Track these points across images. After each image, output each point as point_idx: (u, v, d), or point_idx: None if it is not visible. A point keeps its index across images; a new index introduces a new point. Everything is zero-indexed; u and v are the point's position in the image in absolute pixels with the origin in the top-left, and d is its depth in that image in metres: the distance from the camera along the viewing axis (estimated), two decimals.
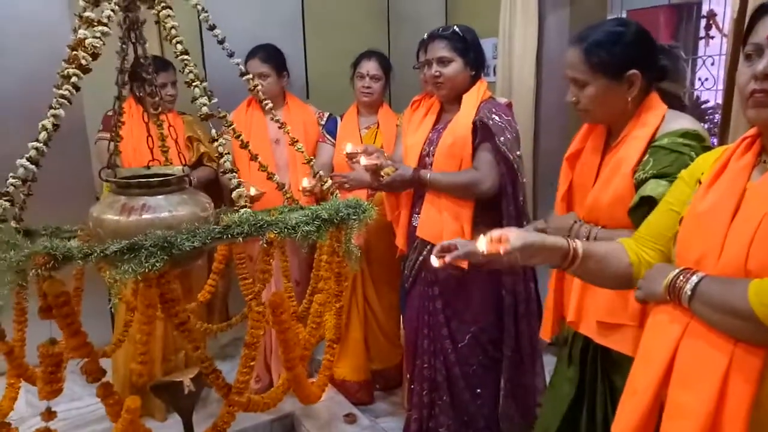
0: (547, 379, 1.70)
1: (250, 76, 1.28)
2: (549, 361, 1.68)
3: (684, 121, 1.26)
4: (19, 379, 1.11)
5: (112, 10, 1.12)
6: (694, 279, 0.90)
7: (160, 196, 1.16)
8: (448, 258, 1.51)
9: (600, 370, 1.38)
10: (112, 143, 1.27)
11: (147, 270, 0.88)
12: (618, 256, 1.08)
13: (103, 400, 0.92)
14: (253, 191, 1.71)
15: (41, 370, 0.86)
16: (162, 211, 1.13)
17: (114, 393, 0.91)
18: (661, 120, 1.27)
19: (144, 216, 1.11)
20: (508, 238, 0.99)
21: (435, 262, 1.52)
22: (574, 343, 1.45)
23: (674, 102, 1.36)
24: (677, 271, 0.93)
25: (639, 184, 1.23)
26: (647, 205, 1.18)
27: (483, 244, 1.00)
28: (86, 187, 2.69)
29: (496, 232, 1.01)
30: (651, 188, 1.19)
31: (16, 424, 1.06)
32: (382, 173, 1.88)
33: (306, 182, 2.08)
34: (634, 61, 1.27)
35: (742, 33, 0.95)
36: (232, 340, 3.03)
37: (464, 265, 1.86)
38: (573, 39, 1.34)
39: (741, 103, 0.93)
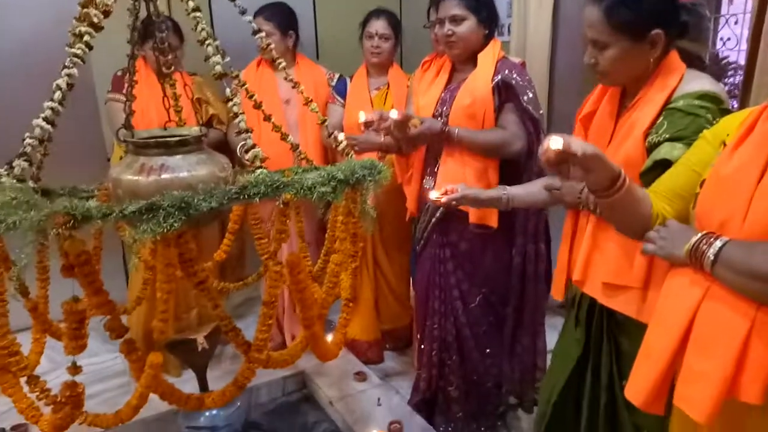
0: (552, 341, 1.72)
1: (263, 34, 1.26)
2: (559, 323, 1.69)
3: (703, 82, 1.21)
4: (44, 335, 1.15)
5: None
6: (718, 244, 0.89)
7: (178, 156, 1.16)
8: (444, 199, 1.53)
9: (605, 332, 1.39)
10: (128, 103, 1.27)
11: (165, 230, 0.89)
12: (648, 202, 1.07)
13: (126, 356, 0.95)
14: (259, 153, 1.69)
15: (66, 327, 0.88)
16: (181, 171, 1.13)
17: (137, 349, 0.94)
18: (679, 81, 1.23)
19: (163, 176, 1.11)
20: (570, 145, 0.93)
21: (433, 196, 1.54)
22: (581, 304, 1.46)
23: (694, 62, 1.32)
24: (700, 235, 0.92)
25: (651, 148, 1.20)
26: (660, 168, 1.16)
27: (558, 143, 0.93)
28: (97, 148, 2.69)
29: (566, 137, 0.95)
30: (666, 151, 1.16)
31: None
32: (409, 124, 1.83)
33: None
34: (658, 20, 1.21)
35: None
36: (244, 300, 3.08)
37: (494, 223, 1.86)
38: None
39: None
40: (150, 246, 1.37)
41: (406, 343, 2.70)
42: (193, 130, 1.26)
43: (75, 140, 2.60)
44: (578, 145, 0.93)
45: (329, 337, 1.23)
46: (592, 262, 1.36)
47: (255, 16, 2.43)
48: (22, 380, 0.99)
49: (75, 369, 0.91)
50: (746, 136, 0.95)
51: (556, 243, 1.82)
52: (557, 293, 1.52)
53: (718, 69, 2.74)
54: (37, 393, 0.98)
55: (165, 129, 1.30)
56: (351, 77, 2.57)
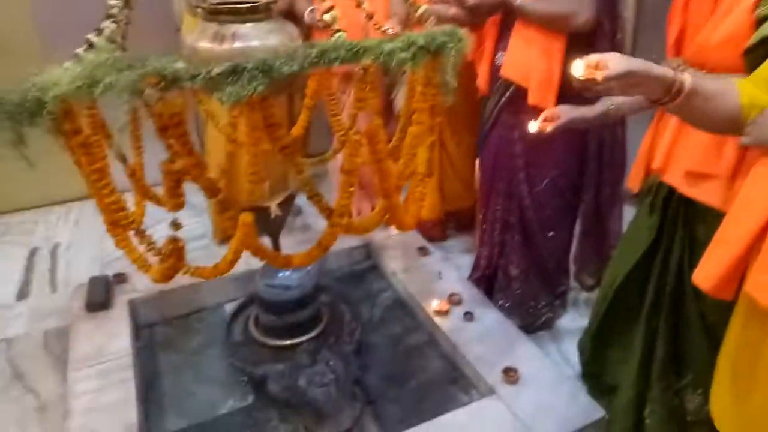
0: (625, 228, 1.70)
1: None
2: (630, 212, 1.65)
3: None
4: (144, 198, 1.23)
5: None
6: None
7: (248, 24, 1.15)
8: (549, 128, 1.44)
9: (682, 221, 1.35)
10: None
11: (250, 93, 0.90)
12: (728, 96, 0.96)
13: (221, 214, 1.01)
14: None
15: (165, 186, 0.94)
16: (252, 40, 1.12)
17: (231, 207, 1.00)
18: None
19: (235, 45, 1.11)
20: (608, 64, 0.89)
21: (534, 127, 1.46)
22: (658, 192, 1.41)
23: None
24: None
25: (760, 22, 1.07)
26: (767, 47, 1.04)
27: (580, 67, 0.90)
28: (166, 18, 2.67)
29: (594, 57, 0.90)
30: None
31: None
32: None
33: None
34: None
35: None
36: (311, 176, 3.16)
37: (550, 105, 1.78)
38: None
39: None
40: (230, 117, 1.39)
41: (469, 223, 2.73)
42: None
43: (144, 11, 2.60)
44: (606, 68, 0.87)
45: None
46: (676, 149, 1.30)
47: None
48: (131, 234, 1.09)
49: (176, 225, 0.98)
50: None
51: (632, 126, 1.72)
52: (634, 183, 1.48)
53: None
54: (145, 245, 1.08)
55: None
56: None
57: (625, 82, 0.89)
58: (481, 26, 1.98)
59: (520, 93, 1.84)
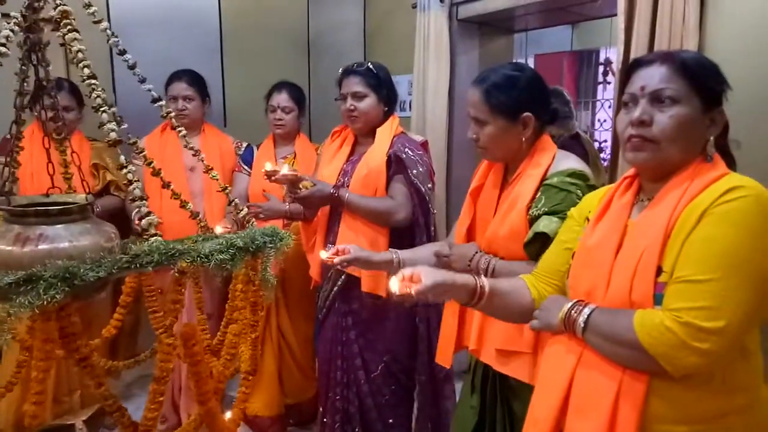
0: None
1: (163, 102, 1.26)
2: (460, 388, 1.73)
3: (571, 162, 1.37)
4: None
5: (12, 31, 1.07)
6: (586, 311, 0.96)
7: (59, 226, 1.09)
8: (337, 260, 1.53)
9: (499, 397, 1.43)
10: (6, 169, 1.19)
11: (46, 303, 0.83)
12: (521, 293, 1.14)
13: None
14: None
15: None
16: (62, 241, 1.06)
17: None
18: (552, 160, 1.37)
19: (41, 246, 1.04)
20: (420, 277, 1.02)
21: (324, 255, 1.54)
22: (476, 371, 1.51)
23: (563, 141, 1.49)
24: (571, 303, 1.00)
25: (533, 220, 1.31)
26: (540, 240, 1.27)
27: (395, 285, 1.01)
28: None
29: (407, 271, 1.03)
30: (544, 225, 1.27)
31: None
32: (300, 185, 1.89)
33: (219, 229, 1.98)
34: (528, 104, 1.37)
35: None
36: (137, 378, 2.84)
37: (383, 293, 1.89)
38: (474, 80, 1.43)
39: (621, 147, 1.05)
40: (27, 323, 1.25)
41: (311, 417, 2.60)
42: (79, 197, 1.20)
43: None
44: (421, 283, 1.01)
45: (227, 415, 1.17)
46: (485, 330, 1.42)
47: (175, 80, 2.45)
48: None
49: None
50: (605, 212, 1.06)
51: None
52: (445, 360, 1.55)
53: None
54: None
55: (47, 196, 1.23)
56: (258, 146, 2.60)
57: (436, 291, 1.02)
58: (312, 220, 2.13)
59: (353, 281, 1.95)
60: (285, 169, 1.91)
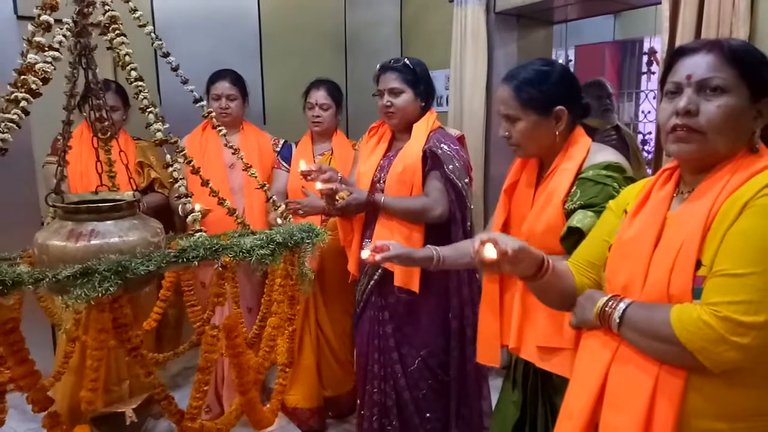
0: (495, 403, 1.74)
1: (204, 102, 1.30)
2: (499, 385, 1.72)
3: (607, 154, 1.35)
4: None
5: (64, 36, 1.13)
6: (622, 306, 0.95)
7: (109, 222, 1.14)
8: (378, 257, 1.53)
9: (541, 393, 1.42)
10: (59, 168, 1.25)
11: (101, 294, 0.87)
12: (569, 276, 1.13)
13: (49, 431, 0.90)
14: (198, 208, 1.70)
15: None
16: (111, 237, 1.11)
17: (61, 423, 0.89)
18: (587, 153, 1.35)
19: (92, 242, 1.09)
20: (507, 243, 0.97)
21: (365, 254, 1.55)
22: (516, 368, 1.50)
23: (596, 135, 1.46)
24: (606, 298, 0.98)
25: (568, 214, 1.30)
26: (576, 234, 1.25)
27: (492, 251, 0.95)
28: (32, 212, 2.59)
29: (484, 236, 0.98)
30: (578, 219, 1.26)
31: None
32: (337, 197, 1.92)
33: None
34: (561, 98, 1.36)
35: None
36: (182, 369, 2.95)
37: (415, 288, 1.90)
38: (504, 78, 1.41)
39: (663, 138, 1.02)
40: (75, 316, 1.31)
41: (350, 410, 2.63)
42: (126, 195, 1.25)
43: (10, 203, 2.54)
44: (506, 245, 0.97)
45: (266, 405, 1.20)
46: (525, 328, 1.41)
47: (218, 79, 2.51)
48: None
49: None
50: (643, 204, 1.04)
51: None
52: (491, 359, 1.54)
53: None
54: None
55: (96, 194, 1.29)
56: (296, 143, 2.64)
57: (517, 257, 0.98)
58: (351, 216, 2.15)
59: (388, 276, 1.96)
60: (330, 182, 1.87)
